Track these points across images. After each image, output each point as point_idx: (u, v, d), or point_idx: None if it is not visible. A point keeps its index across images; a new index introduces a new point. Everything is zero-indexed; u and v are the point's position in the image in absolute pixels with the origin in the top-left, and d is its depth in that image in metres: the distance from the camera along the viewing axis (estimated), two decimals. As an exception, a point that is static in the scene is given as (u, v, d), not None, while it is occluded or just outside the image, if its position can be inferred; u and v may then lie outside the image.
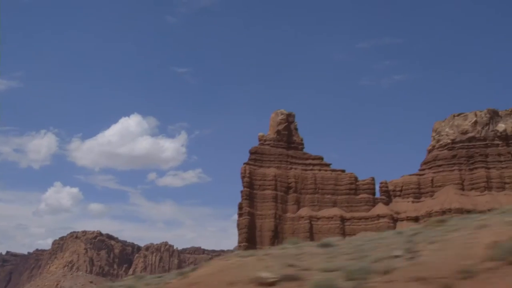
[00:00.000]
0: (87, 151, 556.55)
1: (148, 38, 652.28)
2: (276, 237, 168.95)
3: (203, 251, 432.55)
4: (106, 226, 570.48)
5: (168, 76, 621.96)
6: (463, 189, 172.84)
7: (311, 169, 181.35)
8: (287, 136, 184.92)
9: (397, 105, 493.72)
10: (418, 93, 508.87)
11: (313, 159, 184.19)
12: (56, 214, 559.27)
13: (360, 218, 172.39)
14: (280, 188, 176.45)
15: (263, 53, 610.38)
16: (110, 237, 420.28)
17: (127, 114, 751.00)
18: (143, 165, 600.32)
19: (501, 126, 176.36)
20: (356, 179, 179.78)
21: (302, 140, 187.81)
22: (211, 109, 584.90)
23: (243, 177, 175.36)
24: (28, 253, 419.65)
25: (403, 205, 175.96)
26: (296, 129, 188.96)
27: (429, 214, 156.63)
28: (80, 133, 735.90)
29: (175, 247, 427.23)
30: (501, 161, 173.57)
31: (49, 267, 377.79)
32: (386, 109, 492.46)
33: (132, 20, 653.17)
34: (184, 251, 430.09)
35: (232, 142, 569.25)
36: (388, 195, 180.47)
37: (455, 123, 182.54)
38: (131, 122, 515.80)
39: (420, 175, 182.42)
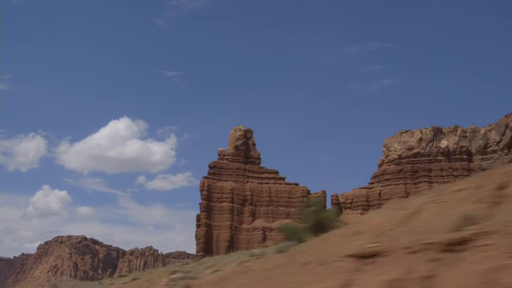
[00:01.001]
0: (76, 154, 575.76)
1: (137, 41, 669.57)
2: (232, 247, 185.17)
3: (188, 255, 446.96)
4: (95, 230, 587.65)
5: (157, 79, 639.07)
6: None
7: (267, 183, 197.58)
8: (244, 151, 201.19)
9: (381, 111, 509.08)
10: (401, 99, 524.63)
11: (269, 173, 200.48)
12: (44, 217, 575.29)
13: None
14: (236, 201, 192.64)
15: (252, 56, 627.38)
16: (94, 241, 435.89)
17: (117, 117, 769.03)
18: (132, 168, 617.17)
19: (443, 143, 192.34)
20: (308, 192, 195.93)
21: (259, 155, 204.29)
22: (200, 113, 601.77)
23: (201, 190, 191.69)
24: (14, 257, 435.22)
25: (352, 217, 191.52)
26: (254, 144, 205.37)
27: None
28: (69, 136, 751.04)
29: (160, 252, 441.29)
30: (443, 176, 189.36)
31: (34, 271, 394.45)
32: (364, 117, 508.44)
33: (121, 23, 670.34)
34: (169, 255, 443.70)
35: (221, 145, 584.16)
36: (340, 207, 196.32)
37: (402, 139, 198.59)
38: (121, 125, 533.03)
39: (369, 188, 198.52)
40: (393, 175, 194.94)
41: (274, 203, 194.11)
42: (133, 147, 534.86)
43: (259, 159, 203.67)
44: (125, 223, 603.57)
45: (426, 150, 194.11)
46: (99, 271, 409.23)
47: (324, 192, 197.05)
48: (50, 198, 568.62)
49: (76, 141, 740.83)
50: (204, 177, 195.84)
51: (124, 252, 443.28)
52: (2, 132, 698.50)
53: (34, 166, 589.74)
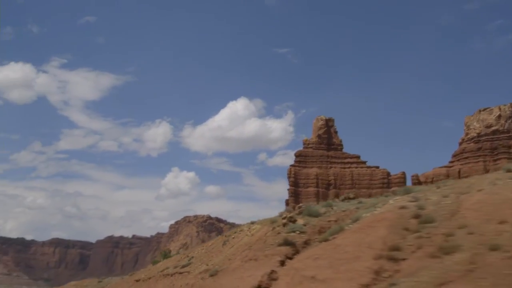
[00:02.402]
0: (199, 136, 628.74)
1: (248, 22, 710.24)
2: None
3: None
4: (223, 207, 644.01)
5: (270, 57, 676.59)
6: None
7: (349, 167, 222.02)
8: (327, 139, 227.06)
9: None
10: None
11: (351, 157, 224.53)
12: (176, 197, 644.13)
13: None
14: (321, 185, 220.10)
15: (361, 25, 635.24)
16: (219, 220, 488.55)
17: (234, 98, 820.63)
18: (253, 147, 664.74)
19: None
20: (388, 174, 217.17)
21: (341, 141, 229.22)
22: (315, 87, 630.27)
23: (289, 177, 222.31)
24: (151, 236, 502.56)
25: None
26: (336, 132, 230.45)
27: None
28: (192, 120, 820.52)
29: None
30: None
31: (167, 249, 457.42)
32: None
33: (230, 5, 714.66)
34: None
35: (338, 117, 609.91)
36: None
37: (481, 118, 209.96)
38: (239, 106, 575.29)
39: (449, 167, 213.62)
40: (472, 153, 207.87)
41: (356, 185, 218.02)
42: (252, 126, 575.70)
43: (341, 145, 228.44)
44: (251, 199, 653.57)
45: (505, 127, 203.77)
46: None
47: (403, 173, 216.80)
48: (179, 179, 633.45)
49: (199, 124, 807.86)
50: (291, 165, 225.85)
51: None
52: (132, 121, 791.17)
53: (163, 150, 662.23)
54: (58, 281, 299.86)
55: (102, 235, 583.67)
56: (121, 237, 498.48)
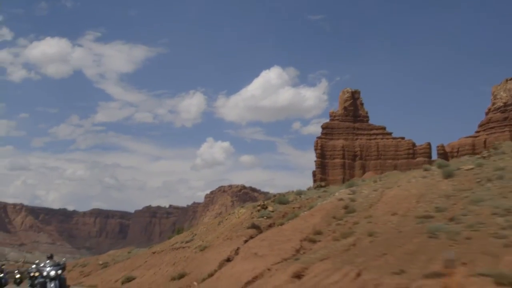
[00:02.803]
0: (233, 106, 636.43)
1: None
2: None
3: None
4: (258, 176, 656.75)
5: (303, 25, 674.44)
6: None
7: (375, 138, 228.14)
8: (353, 111, 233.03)
9: None
10: None
11: (377, 129, 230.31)
12: (211, 167, 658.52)
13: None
14: (347, 157, 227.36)
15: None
16: (253, 189, 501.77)
17: (268, 67, 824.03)
18: (287, 116, 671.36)
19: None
20: (414, 144, 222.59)
21: (367, 113, 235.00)
22: (348, 55, 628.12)
23: (315, 149, 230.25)
24: (187, 205, 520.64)
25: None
26: (362, 104, 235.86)
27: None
28: (225, 90, 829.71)
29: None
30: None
31: (203, 218, 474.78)
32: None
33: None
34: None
35: (370, 85, 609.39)
36: (445, 157, 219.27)
37: (508, 87, 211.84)
38: (272, 75, 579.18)
39: (475, 137, 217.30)
40: (498, 123, 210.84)
41: (382, 156, 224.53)
42: (286, 95, 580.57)
43: (367, 117, 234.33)
44: (286, 168, 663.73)
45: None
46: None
47: (428, 144, 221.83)
48: (214, 149, 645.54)
49: (232, 94, 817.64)
50: (317, 137, 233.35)
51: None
52: (166, 92, 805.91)
53: (197, 121, 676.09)
54: (99, 250, 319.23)
55: (140, 205, 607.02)
56: (159, 207, 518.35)
